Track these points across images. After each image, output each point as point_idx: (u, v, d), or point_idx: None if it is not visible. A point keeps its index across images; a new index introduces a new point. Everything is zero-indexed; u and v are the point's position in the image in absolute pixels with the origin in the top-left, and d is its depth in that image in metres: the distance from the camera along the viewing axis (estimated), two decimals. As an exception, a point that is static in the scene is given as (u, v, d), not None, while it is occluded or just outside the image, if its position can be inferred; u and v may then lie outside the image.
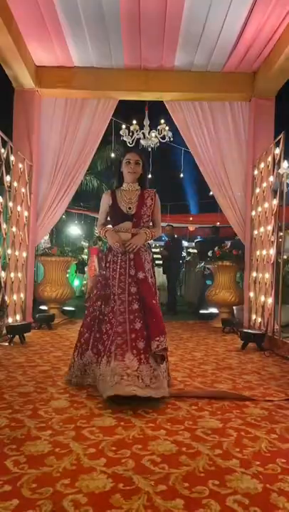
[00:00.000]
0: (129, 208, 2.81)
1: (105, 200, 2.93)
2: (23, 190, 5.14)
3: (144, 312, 2.59)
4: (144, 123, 7.23)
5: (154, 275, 2.87)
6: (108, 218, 2.98)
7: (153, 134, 7.37)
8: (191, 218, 14.70)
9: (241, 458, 1.71)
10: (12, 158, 4.78)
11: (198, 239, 9.96)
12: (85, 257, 11.52)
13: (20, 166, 5.04)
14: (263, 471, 1.60)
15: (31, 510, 1.31)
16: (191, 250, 10.64)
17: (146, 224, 2.84)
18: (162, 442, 1.84)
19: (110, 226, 2.91)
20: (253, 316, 5.16)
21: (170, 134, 7.36)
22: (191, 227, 14.85)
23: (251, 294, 5.29)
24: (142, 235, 2.77)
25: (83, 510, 1.31)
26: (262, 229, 4.95)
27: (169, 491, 1.44)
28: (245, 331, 4.51)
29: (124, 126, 7.59)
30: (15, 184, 4.85)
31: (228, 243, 6.93)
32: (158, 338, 2.48)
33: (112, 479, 1.51)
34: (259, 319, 4.89)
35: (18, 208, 4.96)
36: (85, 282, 10.27)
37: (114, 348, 2.49)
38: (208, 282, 6.76)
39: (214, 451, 1.76)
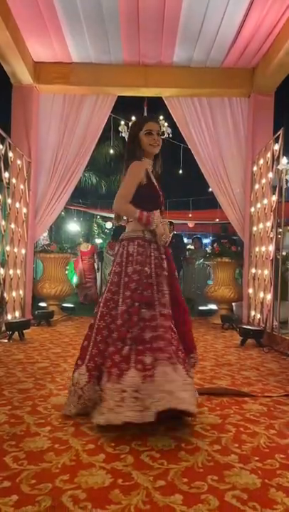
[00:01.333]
0: (161, 193, 2.39)
1: (142, 173, 2.28)
2: (21, 186, 5.12)
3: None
4: (143, 119, 7.19)
5: None
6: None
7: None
8: (190, 215, 14.67)
9: (240, 453, 1.72)
10: (10, 154, 4.77)
11: (197, 235, 9.97)
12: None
13: (18, 162, 5.03)
14: (261, 467, 1.60)
15: (30, 506, 1.31)
16: (189, 247, 10.64)
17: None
18: (161, 438, 1.85)
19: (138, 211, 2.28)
20: (252, 313, 5.16)
21: (169, 130, 7.33)
22: (191, 224, 14.84)
23: (250, 291, 5.30)
24: (166, 225, 2.35)
25: (82, 506, 1.31)
26: (261, 225, 4.95)
27: (168, 486, 1.44)
28: (244, 327, 4.51)
29: (122, 123, 7.57)
30: (13, 181, 4.84)
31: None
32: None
33: (111, 475, 1.51)
34: (258, 315, 4.89)
35: (17, 205, 4.95)
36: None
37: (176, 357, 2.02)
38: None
39: (213, 447, 1.77)
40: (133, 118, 7.28)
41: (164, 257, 2.26)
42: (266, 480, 1.50)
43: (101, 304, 2.23)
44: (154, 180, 2.35)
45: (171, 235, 2.42)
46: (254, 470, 1.57)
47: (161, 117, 7.24)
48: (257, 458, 1.68)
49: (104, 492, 1.40)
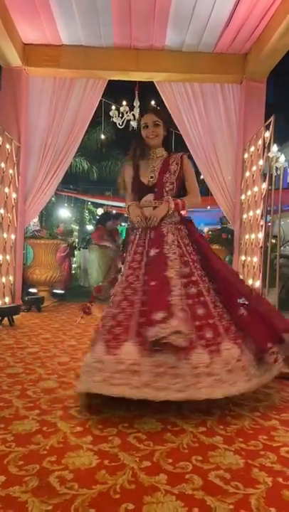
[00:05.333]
0: (151, 177, 2.47)
1: (126, 172, 2.55)
2: (10, 171, 5.06)
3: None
4: (134, 104, 7.11)
5: (195, 252, 2.39)
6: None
7: (144, 116, 7.24)
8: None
9: (225, 435, 1.76)
10: (-1, 138, 4.70)
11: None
12: (77, 240, 11.37)
13: (7, 146, 4.96)
14: (245, 448, 1.64)
15: (18, 486, 1.33)
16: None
17: (170, 193, 2.44)
18: (148, 420, 1.88)
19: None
20: (241, 299, 5.21)
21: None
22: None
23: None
24: (164, 205, 2.40)
25: (69, 486, 1.34)
26: (251, 213, 4.97)
27: (153, 466, 1.48)
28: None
29: (114, 108, 7.47)
30: (2, 165, 4.78)
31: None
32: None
33: (98, 456, 1.54)
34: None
35: (6, 190, 4.90)
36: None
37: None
38: None
39: (198, 429, 1.81)
40: (124, 103, 7.19)
41: (147, 238, 2.41)
42: (249, 460, 1.54)
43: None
44: (145, 169, 2.49)
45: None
46: (238, 451, 1.61)
47: (152, 102, 7.15)
48: (241, 439, 1.72)
49: (91, 472, 1.43)
